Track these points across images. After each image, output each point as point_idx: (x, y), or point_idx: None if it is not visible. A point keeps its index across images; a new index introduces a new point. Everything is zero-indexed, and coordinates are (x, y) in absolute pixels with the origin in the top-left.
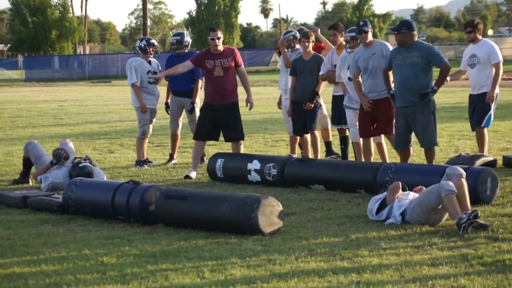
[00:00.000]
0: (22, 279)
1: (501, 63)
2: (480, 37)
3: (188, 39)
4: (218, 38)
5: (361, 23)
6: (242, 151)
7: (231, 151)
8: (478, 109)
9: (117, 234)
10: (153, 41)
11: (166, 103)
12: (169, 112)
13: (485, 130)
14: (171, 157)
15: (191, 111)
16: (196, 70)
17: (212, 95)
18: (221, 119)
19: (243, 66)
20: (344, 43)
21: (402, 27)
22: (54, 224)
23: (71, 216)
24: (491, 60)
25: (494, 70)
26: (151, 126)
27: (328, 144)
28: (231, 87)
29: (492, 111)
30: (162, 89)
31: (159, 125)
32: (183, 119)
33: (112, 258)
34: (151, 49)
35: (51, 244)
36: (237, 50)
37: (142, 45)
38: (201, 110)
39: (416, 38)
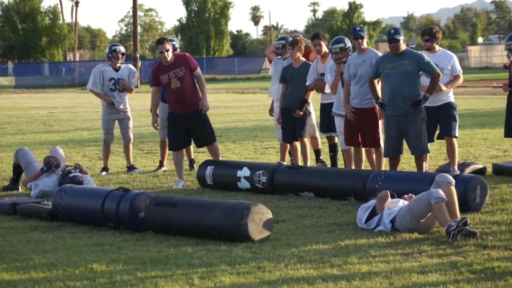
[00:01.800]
0: (11, 286)
1: (461, 74)
2: (437, 47)
3: (177, 45)
4: (167, 51)
5: (358, 28)
6: (219, 151)
7: (220, 159)
8: (445, 119)
9: (106, 241)
10: (116, 47)
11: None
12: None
13: (455, 140)
14: (161, 164)
15: None
16: None
17: (175, 105)
18: (190, 127)
19: (198, 69)
20: (327, 51)
21: (400, 34)
22: (43, 231)
23: (61, 223)
24: (452, 71)
25: (453, 78)
26: (131, 133)
27: (317, 152)
28: (193, 95)
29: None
30: (142, 96)
31: (149, 132)
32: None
33: (101, 265)
34: (113, 55)
35: (40, 251)
36: (189, 55)
37: (106, 52)
38: (168, 120)
39: (405, 46)
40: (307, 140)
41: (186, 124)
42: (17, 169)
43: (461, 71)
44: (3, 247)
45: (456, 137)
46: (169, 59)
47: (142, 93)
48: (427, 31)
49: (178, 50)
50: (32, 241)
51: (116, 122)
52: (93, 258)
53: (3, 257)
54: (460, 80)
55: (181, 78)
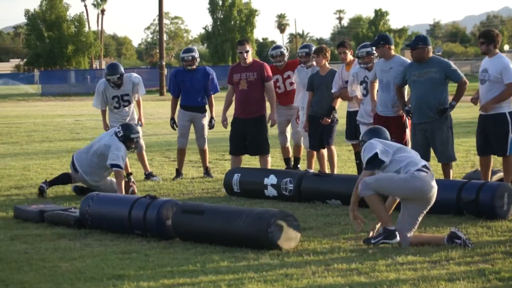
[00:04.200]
0: None
1: None
2: (496, 51)
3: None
4: (246, 52)
5: (381, 38)
6: (269, 165)
7: (248, 166)
8: (494, 135)
9: (134, 248)
10: (110, 77)
11: (172, 119)
12: (175, 127)
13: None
14: (178, 172)
15: (212, 127)
16: (208, 85)
17: (238, 108)
18: (247, 133)
19: (271, 82)
20: (352, 59)
21: (419, 43)
22: (71, 238)
23: (88, 230)
24: (504, 79)
25: (505, 88)
26: (141, 141)
27: (296, 160)
28: (255, 101)
29: (511, 134)
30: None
31: (175, 140)
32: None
33: (129, 272)
34: (112, 82)
35: (68, 258)
36: (267, 65)
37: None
38: (231, 124)
39: (431, 53)
40: (334, 148)
41: (243, 130)
42: (65, 178)
43: None
44: (31, 255)
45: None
46: (247, 60)
47: (168, 101)
48: (483, 33)
49: (197, 60)
50: (60, 249)
51: (151, 128)
52: (120, 265)
53: (30, 264)
54: (509, 91)
55: (250, 82)
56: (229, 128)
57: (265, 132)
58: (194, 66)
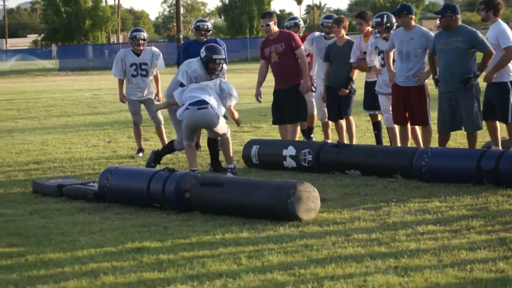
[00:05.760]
0: (59, 267)
1: (510, 48)
2: (496, 18)
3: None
4: (267, 25)
5: (402, 7)
6: (297, 133)
7: (265, 138)
8: (497, 103)
9: (153, 221)
10: (137, 33)
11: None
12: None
13: None
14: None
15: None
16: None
17: (276, 80)
18: (284, 103)
19: (300, 49)
20: (370, 30)
21: (447, 10)
22: (90, 212)
23: (107, 204)
24: (500, 44)
25: (504, 54)
26: (160, 115)
27: (310, 130)
28: (288, 72)
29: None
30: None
31: None
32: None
33: (148, 245)
34: (134, 41)
35: (87, 232)
36: (294, 34)
37: (128, 37)
38: (273, 95)
39: (460, 22)
40: (352, 118)
41: (282, 100)
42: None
43: (508, 45)
44: (50, 229)
45: None
46: (272, 32)
47: None
48: (484, 0)
49: (210, 32)
50: (79, 223)
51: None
52: (139, 238)
53: (50, 239)
54: (508, 55)
55: (280, 53)
56: (248, 100)
57: (300, 100)
58: (207, 38)
